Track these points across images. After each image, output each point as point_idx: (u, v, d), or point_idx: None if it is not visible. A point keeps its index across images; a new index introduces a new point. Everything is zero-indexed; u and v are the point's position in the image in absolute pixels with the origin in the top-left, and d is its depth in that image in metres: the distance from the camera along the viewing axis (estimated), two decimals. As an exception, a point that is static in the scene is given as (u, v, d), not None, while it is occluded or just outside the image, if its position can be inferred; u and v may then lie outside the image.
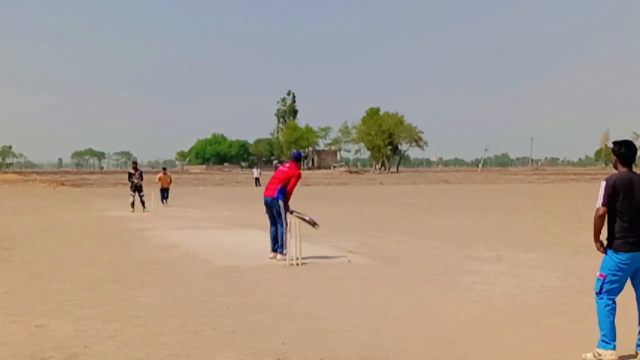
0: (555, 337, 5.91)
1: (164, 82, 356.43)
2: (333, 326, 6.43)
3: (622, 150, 5.39)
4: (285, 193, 11.07)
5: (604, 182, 5.32)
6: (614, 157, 5.49)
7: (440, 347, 5.68)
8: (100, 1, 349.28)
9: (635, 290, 5.40)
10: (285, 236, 10.84)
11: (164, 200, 27.92)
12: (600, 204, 5.28)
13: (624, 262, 5.22)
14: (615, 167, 5.47)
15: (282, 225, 10.99)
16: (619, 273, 5.25)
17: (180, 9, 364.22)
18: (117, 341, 5.90)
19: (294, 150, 12.02)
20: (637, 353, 5.35)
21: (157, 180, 29.54)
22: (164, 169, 31.10)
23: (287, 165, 11.46)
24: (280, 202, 11.01)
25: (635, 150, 5.46)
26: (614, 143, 5.48)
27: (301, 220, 10.97)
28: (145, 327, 6.42)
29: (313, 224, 11.28)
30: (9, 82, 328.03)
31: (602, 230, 5.40)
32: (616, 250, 5.24)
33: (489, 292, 8.18)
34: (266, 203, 11.21)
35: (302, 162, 11.80)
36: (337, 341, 5.88)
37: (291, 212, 11.06)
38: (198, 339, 5.98)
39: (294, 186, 11.16)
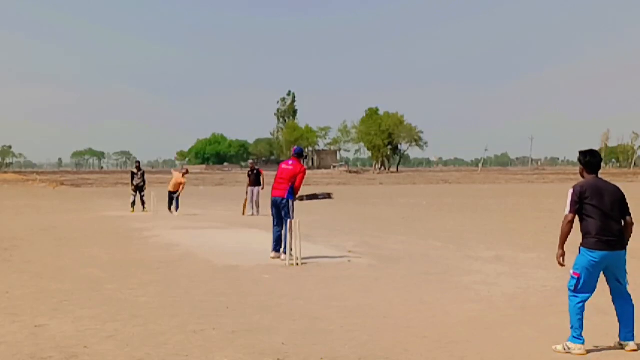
0: (555, 336, 5.91)
1: (164, 82, 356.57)
2: (333, 326, 6.43)
3: (588, 159, 5.70)
4: (293, 192, 11.01)
5: (572, 190, 5.60)
6: (580, 167, 5.79)
7: (440, 347, 5.68)
8: (99, 0, 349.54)
9: (609, 286, 5.66)
10: (290, 236, 10.66)
11: (172, 207, 22.35)
12: (569, 211, 5.56)
13: (596, 259, 5.47)
14: (582, 176, 5.75)
15: (285, 227, 10.85)
16: (592, 270, 5.51)
17: (181, 8, 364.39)
18: (117, 341, 5.90)
19: (295, 147, 11.78)
20: (620, 344, 5.60)
21: (179, 182, 22.55)
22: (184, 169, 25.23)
23: (290, 162, 11.22)
24: (290, 202, 10.92)
25: (600, 158, 5.79)
26: (580, 153, 5.77)
27: (295, 222, 10.71)
28: (145, 326, 6.42)
29: (328, 196, 11.22)
30: (9, 81, 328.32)
31: (568, 239, 5.62)
32: (590, 249, 5.48)
33: (489, 292, 8.18)
34: (275, 203, 11.06)
35: (303, 158, 11.64)
36: (337, 341, 5.88)
37: (302, 199, 11.01)
38: (198, 338, 5.98)
39: (301, 182, 11.08)
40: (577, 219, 5.61)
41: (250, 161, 24.55)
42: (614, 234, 5.48)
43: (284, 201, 10.93)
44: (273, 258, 11.02)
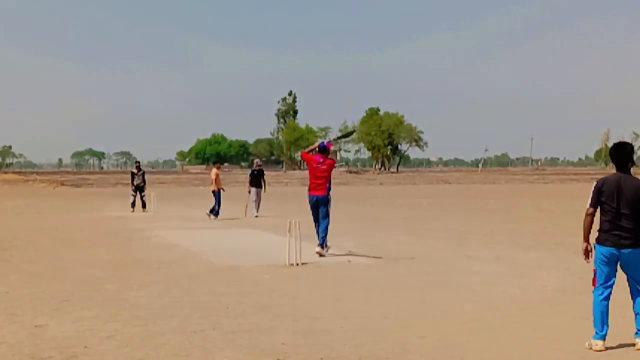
0: (555, 337, 5.91)
1: (164, 82, 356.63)
2: (333, 326, 6.43)
3: (610, 152, 5.75)
4: (329, 186, 11.68)
5: (594, 183, 5.70)
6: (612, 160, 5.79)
7: (440, 347, 5.68)
8: (103, 4, 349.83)
9: (628, 283, 5.65)
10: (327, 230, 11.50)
11: (213, 213, 20.42)
12: (589, 205, 5.65)
13: (604, 255, 5.53)
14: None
15: (326, 220, 11.52)
16: (603, 266, 5.56)
17: (180, 8, 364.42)
18: (117, 341, 5.91)
19: (320, 142, 12.34)
20: (637, 342, 5.55)
21: (213, 178, 21.22)
22: (216, 162, 24.01)
23: (320, 160, 11.70)
24: (329, 199, 11.59)
25: (625, 152, 5.67)
26: (611, 146, 5.81)
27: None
28: (145, 327, 6.43)
29: (348, 134, 11.83)
30: (10, 82, 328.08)
31: (591, 231, 5.68)
32: (599, 244, 5.57)
33: (489, 292, 8.18)
34: (317, 201, 11.55)
35: (328, 152, 12.11)
36: (337, 341, 5.88)
37: (335, 139, 11.75)
38: (198, 339, 5.98)
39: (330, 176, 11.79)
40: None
41: (257, 160, 24.02)
42: (626, 231, 5.45)
43: (324, 198, 11.53)
44: (318, 253, 11.39)
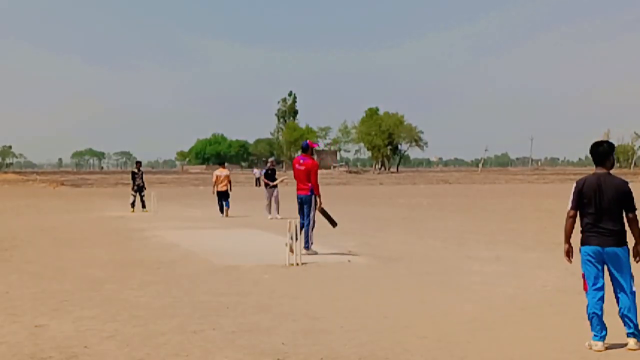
0: (555, 337, 5.91)
1: (164, 82, 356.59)
2: (333, 326, 6.43)
3: (590, 151, 5.71)
4: (314, 190, 11.45)
5: (574, 184, 5.66)
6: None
7: (440, 347, 5.68)
8: (104, 4, 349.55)
9: (612, 282, 5.63)
10: (311, 233, 11.37)
11: (224, 210, 21.20)
12: (569, 207, 5.65)
13: (590, 254, 5.53)
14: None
15: (308, 222, 11.34)
16: (589, 267, 5.56)
17: (181, 9, 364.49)
18: (117, 341, 5.91)
19: (302, 142, 12.37)
20: (629, 342, 5.54)
21: (214, 180, 21.82)
22: (222, 163, 23.20)
23: (301, 161, 11.68)
24: (313, 198, 11.40)
25: (603, 149, 5.66)
26: (590, 145, 5.77)
27: (322, 216, 11.53)
28: (145, 327, 6.43)
29: (333, 224, 11.77)
30: (10, 81, 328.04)
31: (573, 233, 5.72)
32: (583, 244, 5.58)
33: (489, 292, 8.18)
34: (301, 201, 11.54)
35: (311, 150, 12.13)
36: (337, 341, 5.88)
37: (322, 210, 11.52)
38: (198, 339, 5.98)
39: (316, 178, 11.53)
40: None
41: (271, 159, 23.50)
42: (608, 230, 5.46)
43: (307, 198, 11.43)
44: (305, 254, 11.20)
